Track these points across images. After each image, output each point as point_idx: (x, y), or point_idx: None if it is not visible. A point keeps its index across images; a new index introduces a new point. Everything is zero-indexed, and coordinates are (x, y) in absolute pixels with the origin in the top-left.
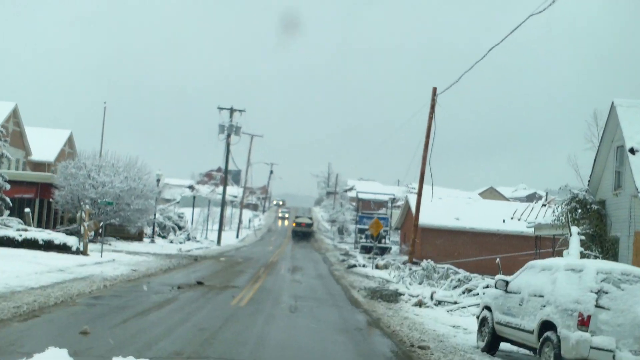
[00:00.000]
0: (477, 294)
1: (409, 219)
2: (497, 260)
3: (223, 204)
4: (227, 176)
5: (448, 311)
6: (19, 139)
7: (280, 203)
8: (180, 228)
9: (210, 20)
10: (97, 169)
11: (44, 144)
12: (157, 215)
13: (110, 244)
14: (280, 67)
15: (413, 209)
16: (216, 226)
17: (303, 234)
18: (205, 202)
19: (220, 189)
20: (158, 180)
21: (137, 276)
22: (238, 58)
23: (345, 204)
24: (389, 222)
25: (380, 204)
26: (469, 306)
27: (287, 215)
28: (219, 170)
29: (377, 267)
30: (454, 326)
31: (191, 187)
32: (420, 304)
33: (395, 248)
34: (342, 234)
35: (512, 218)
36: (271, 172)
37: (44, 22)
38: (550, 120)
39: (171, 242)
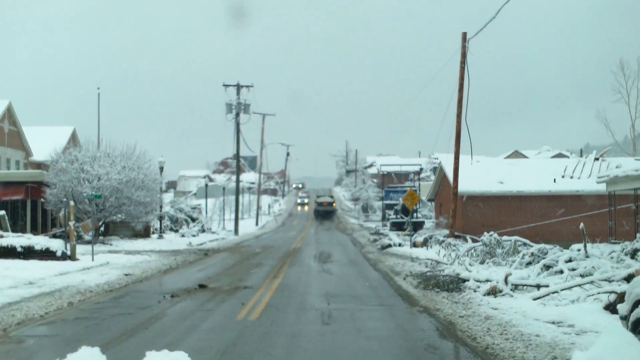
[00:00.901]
0: (561, 272)
1: (445, 187)
2: (581, 226)
3: (237, 190)
4: (239, 159)
5: (534, 299)
6: (16, 139)
7: (300, 186)
8: (193, 220)
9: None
10: (92, 161)
11: (46, 143)
12: (168, 208)
13: (111, 244)
14: (290, 42)
15: (449, 176)
16: (234, 215)
17: (325, 212)
18: (224, 191)
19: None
20: (161, 169)
21: (125, 283)
22: (247, 36)
23: (367, 181)
24: (418, 194)
25: (404, 177)
26: (561, 290)
27: (306, 200)
28: (234, 157)
29: (414, 245)
30: (554, 322)
31: (207, 177)
32: (494, 291)
33: (428, 222)
34: (366, 212)
35: (563, 177)
36: (287, 154)
37: (39, 19)
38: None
39: (183, 235)
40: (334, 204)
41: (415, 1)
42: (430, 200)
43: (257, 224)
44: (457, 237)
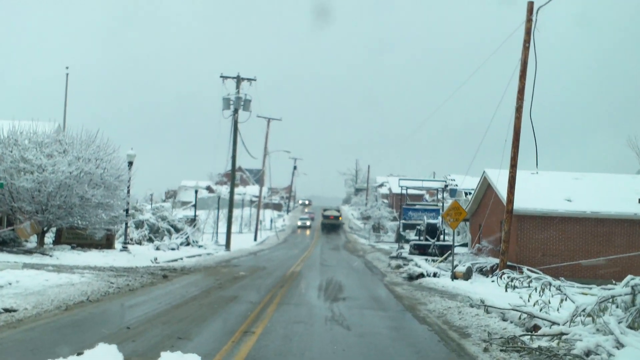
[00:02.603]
0: None
1: (488, 204)
2: None
3: (231, 198)
4: (234, 162)
5: None
6: None
7: (307, 202)
8: (177, 230)
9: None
10: (37, 147)
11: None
12: (148, 215)
13: (51, 255)
14: (303, 59)
15: (499, 189)
16: (232, 228)
17: (332, 225)
18: (225, 204)
19: (241, 189)
20: (130, 164)
21: None
22: (257, 49)
23: (379, 200)
24: (440, 215)
25: (417, 198)
26: None
27: (308, 223)
28: (239, 169)
29: (455, 276)
30: None
31: (209, 188)
32: None
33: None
34: (377, 232)
35: None
36: (295, 167)
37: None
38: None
39: (157, 248)
40: (340, 218)
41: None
42: (464, 220)
43: (255, 239)
44: (510, 267)
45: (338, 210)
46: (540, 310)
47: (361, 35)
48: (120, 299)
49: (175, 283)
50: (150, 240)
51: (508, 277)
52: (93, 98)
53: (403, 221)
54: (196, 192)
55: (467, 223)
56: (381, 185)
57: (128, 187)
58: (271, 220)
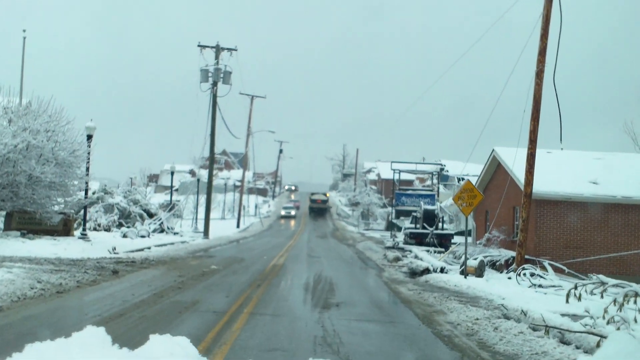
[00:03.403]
0: None
1: (496, 188)
2: None
3: (210, 182)
4: (213, 140)
5: None
6: None
7: (293, 188)
8: (151, 215)
9: None
10: None
11: None
12: (119, 198)
13: None
14: (288, 39)
15: (512, 169)
16: (214, 214)
17: (319, 209)
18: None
19: (225, 173)
20: (89, 137)
21: None
22: (241, 32)
23: (367, 186)
24: (435, 200)
25: (407, 184)
26: None
27: (293, 213)
28: (223, 153)
29: (463, 271)
30: None
31: (192, 172)
32: None
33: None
34: (366, 219)
35: None
36: (280, 150)
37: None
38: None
39: (124, 236)
40: (327, 202)
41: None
42: None
43: (238, 226)
44: (528, 262)
45: (325, 194)
46: (618, 329)
47: (350, 3)
48: (29, 309)
49: (124, 281)
50: (120, 226)
51: (531, 274)
52: (61, 77)
53: (396, 207)
54: (172, 174)
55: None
56: (369, 171)
57: (87, 165)
58: (256, 206)
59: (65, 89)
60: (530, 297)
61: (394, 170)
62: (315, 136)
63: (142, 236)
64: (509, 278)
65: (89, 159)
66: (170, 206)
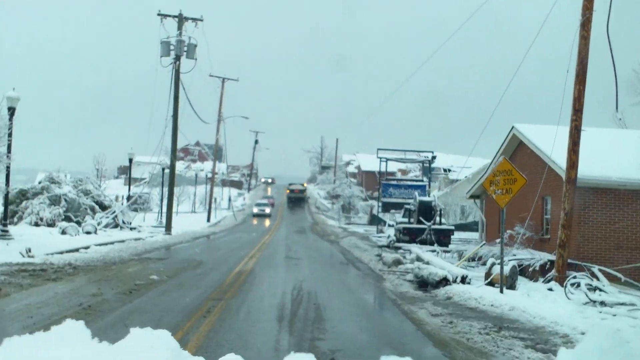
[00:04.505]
0: None
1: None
2: None
3: (172, 172)
4: (176, 123)
5: None
6: None
7: (269, 181)
8: (104, 208)
9: None
10: None
11: None
12: (68, 188)
13: None
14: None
15: (543, 150)
16: (184, 207)
17: (297, 199)
18: (182, 180)
19: (199, 164)
20: (11, 111)
21: None
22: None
23: (347, 178)
24: (426, 191)
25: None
26: None
27: (267, 210)
28: (197, 144)
29: (491, 280)
30: None
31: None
32: None
33: (470, 233)
34: (347, 213)
35: None
36: (256, 141)
37: None
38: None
39: (63, 232)
40: (305, 192)
41: None
42: (473, 197)
43: (208, 220)
44: (571, 267)
45: (303, 185)
46: None
47: None
48: None
49: (4, 304)
50: (68, 220)
51: (588, 287)
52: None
53: (383, 199)
54: (130, 161)
55: (477, 200)
56: (348, 163)
57: (8, 144)
58: (229, 199)
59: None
60: (610, 327)
61: (380, 158)
62: (292, 129)
63: (88, 232)
64: (550, 289)
65: (10, 135)
66: (130, 198)
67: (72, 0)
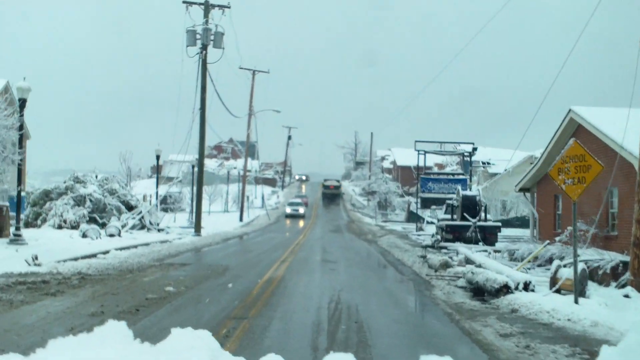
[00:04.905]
0: None
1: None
2: None
3: (201, 169)
4: (204, 116)
5: None
6: None
7: (304, 178)
8: (130, 208)
9: None
10: None
11: None
12: (93, 187)
13: None
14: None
15: (610, 136)
16: (215, 206)
17: (332, 195)
18: (215, 179)
19: (232, 162)
20: (22, 103)
21: None
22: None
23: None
24: (468, 186)
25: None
26: None
27: (301, 211)
28: (230, 141)
29: (555, 285)
30: None
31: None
32: None
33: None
34: (384, 210)
35: None
36: (289, 137)
37: None
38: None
39: (84, 235)
40: (340, 188)
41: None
42: (523, 190)
43: (241, 219)
44: None
45: (338, 181)
46: None
47: None
48: None
49: None
50: (93, 221)
51: None
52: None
53: (422, 194)
54: (158, 157)
55: (527, 194)
56: (383, 158)
57: (20, 140)
58: (262, 197)
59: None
60: None
61: (418, 151)
62: (325, 124)
63: (111, 235)
64: (626, 296)
65: (21, 129)
66: (161, 198)
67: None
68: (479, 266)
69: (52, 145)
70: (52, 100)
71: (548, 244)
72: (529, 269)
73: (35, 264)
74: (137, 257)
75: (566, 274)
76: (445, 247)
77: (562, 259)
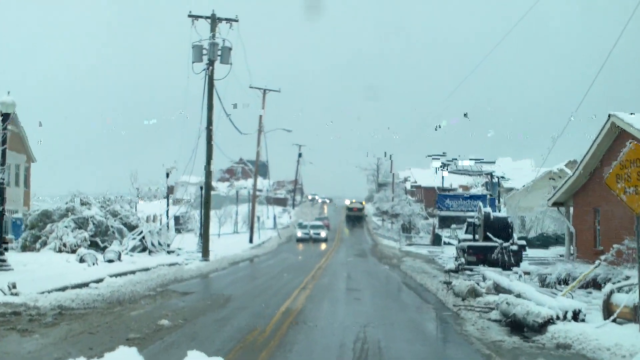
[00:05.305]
0: None
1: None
2: None
3: (208, 190)
4: (210, 135)
5: None
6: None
7: (317, 198)
8: (132, 229)
9: None
10: None
11: None
12: (94, 210)
13: None
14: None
15: None
16: (226, 228)
17: (356, 217)
18: (226, 201)
19: (242, 182)
20: (4, 117)
21: None
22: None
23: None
24: (497, 207)
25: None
26: None
27: (323, 235)
28: (240, 161)
29: (613, 316)
30: None
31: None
32: None
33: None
34: (408, 232)
35: None
36: (300, 154)
37: None
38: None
39: (81, 260)
40: (363, 210)
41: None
42: (557, 204)
43: (251, 240)
44: None
45: (361, 203)
46: None
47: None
48: None
49: None
50: (94, 246)
51: None
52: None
53: (439, 212)
54: (167, 175)
55: (562, 208)
56: (405, 179)
57: (2, 153)
58: (274, 218)
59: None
60: None
61: (437, 167)
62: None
63: (110, 260)
64: None
65: (5, 146)
66: (168, 218)
67: (96, 16)
68: (519, 296)
69: (61, 169)
70: (61, 122)
71: (600, 264)
72: (560, 290)
73: (11, 293)
74: (132, 285)
75: (624, 299)
76: (469, 270)
77: (607, 280)
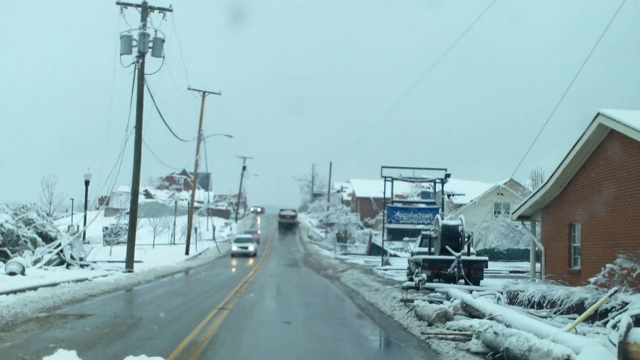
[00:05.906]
0: None
1: (603, 179)
2: None
3: (135, 197)
4: (140, 136)
5: None
6: None
7: (259, 210)
8: (50, 240)
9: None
10: None
11: None
12: (4, 217)
13: None
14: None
15: None
16: (162, 238)
17: (288, 224)
18: (165, 210)
19: (184, 193)
20: None
21: None
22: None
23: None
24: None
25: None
26: None
27: (251, 249)
28: (183, 173)
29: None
30: None
31: (146, 193)
32: None
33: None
34: (343, 242)
35: None
36: (244, 167)
37: None
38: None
39: None
40: (295, 218)
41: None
42: (522, 218)
43: (187, 252)
44: None
45: (294, 210)
46: None
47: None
48: None
49: None
50: (3, 255)
51: None
52: None
53: (388, 225)
54: (87, 182)
55: (527, 223)
56: (340, 190)
57: None
58: (213, 229)
59: None
60: None
61: (385, 177)
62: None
63: (11, 273)
64: None
65: None
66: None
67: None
68: (492, 318)
69: None
70: None
71: (615, 291)
72: (547, 317)
73: None
74: (22, 305)
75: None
76: (432, 289)
77: (611, 309)
